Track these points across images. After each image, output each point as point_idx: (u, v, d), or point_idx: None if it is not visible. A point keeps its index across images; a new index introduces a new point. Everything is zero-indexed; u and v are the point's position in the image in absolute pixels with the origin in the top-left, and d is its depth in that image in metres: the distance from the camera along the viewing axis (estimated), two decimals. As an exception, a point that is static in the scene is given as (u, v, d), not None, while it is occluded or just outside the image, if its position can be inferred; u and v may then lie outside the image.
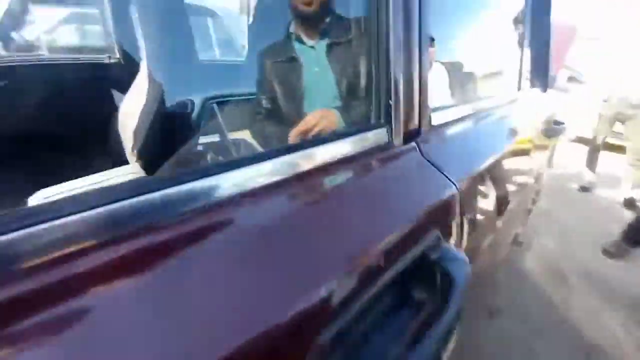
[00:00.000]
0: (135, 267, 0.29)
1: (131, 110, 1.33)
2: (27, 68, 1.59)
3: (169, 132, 1.15)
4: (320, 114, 0.78)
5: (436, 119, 0.70)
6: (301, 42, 0.91)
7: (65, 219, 0.27)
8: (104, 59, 1.67)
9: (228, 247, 0.34)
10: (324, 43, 0.89)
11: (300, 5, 0.84)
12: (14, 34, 2.00)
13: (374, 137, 0.57)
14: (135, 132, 1.28)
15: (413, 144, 0.63)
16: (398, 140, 0.60)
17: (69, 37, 2.29)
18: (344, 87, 0.86)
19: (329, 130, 0.76)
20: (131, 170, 1.25)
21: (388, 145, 0.58)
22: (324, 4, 0.86)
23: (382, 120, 0.59)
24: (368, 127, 0.57)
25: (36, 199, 1.00)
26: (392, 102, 0.57)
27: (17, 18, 1.99)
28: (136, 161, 1.28)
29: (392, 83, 0.57)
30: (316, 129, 0.76)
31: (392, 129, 0.59)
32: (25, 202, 0.96)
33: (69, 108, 1.47)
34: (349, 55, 0.84)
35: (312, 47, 0.90)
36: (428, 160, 0.62)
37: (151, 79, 1.29)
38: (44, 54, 1.99)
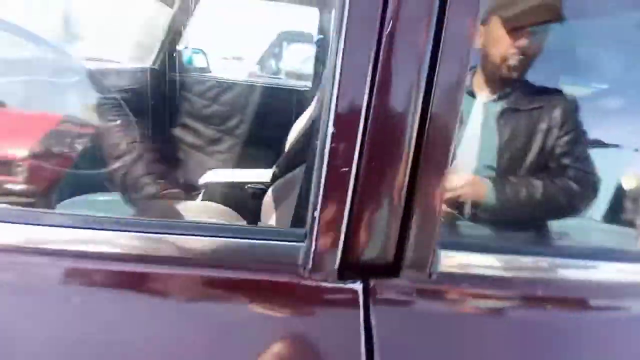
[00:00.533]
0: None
1: (294, 132, 1.51)
2: (261, 88, 2.09)
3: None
4: (466, 180, 0.69)
5: (463, 259, 0.37)
6: (472, 94, 0.84)
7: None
8: (302, 86, 1.96)
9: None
10: (500, 103, 0.79)
11: (514, 55, 0.71)
12: (272, 62, 2.71)
13: (283, 250, 0.36)
14: (287, 147, 1.45)
15: (357, 285, 0.35)
16: (326, 270, 0.36)
17: (306, 67, 2.86)
18: (504, 159, 0.75)
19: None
20: (262, 174, 1.43)
21: (297, 273, 0.35)
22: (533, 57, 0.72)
23: (302, 227, 0.36)
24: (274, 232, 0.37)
25: (206, 177, 1.32)
26: (319, 199, 0.34)
27: (277, 51, 2.69)
28: (273, 169, 1.45)
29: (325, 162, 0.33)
30: (459, 196, 0.68)
31: (313, 242, 0.35)
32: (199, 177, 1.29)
33: (266, 119, 1.82)
34: (522, 124, 0.73)
35: (484, 103, 0.82)
36: (366, 329, 0.33)
37: (315, 109, 1.41)
38: (282, 77, 2.57)
